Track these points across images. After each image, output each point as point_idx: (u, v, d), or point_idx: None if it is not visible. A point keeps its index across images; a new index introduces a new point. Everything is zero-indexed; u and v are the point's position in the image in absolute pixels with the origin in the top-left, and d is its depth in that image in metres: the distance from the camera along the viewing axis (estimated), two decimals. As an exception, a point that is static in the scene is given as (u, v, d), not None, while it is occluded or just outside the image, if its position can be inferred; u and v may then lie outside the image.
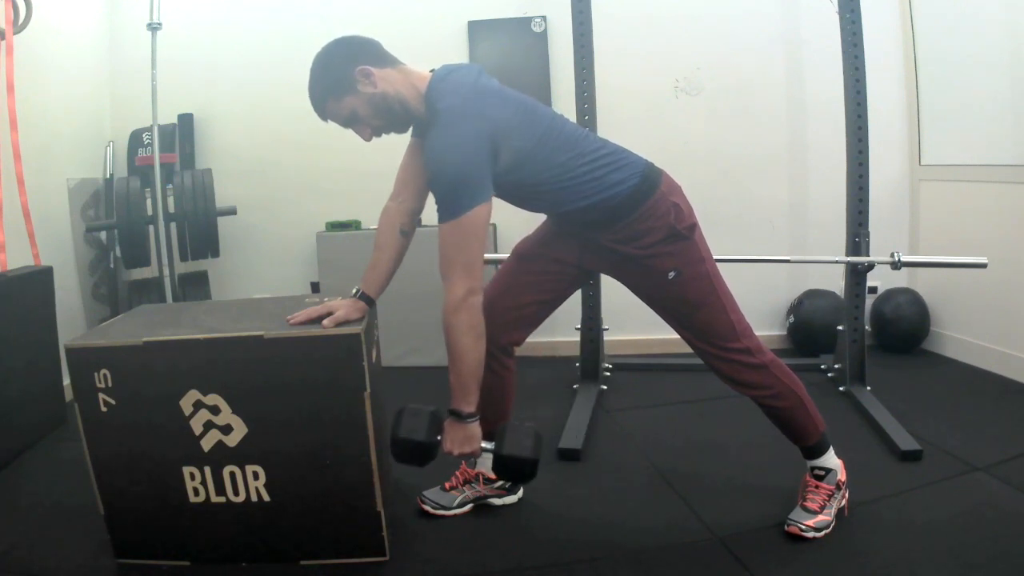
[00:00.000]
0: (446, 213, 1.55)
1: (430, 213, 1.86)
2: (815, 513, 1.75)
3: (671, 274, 1.68)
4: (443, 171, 1.54)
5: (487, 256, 2.69)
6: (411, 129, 1.77)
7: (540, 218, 1.88)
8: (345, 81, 1.58)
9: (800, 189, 3.42)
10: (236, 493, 1.67)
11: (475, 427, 1.66)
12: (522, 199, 1.71)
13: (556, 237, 1.82)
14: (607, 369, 3.03)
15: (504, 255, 1.99)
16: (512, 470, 1.68)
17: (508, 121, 1.57)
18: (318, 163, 3.45)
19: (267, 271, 3.57)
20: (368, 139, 1.66)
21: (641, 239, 1.67)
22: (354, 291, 1.76)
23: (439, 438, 1.67)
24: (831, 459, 1.81)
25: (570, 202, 1.66)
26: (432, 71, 1.64)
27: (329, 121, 1.66)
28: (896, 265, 2.50)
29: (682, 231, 1.67)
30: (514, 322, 1.85)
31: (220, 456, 1.64)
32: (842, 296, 3.02)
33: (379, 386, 1.80)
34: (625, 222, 1.66)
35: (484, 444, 1.67)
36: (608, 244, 1.71)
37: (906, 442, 2.20)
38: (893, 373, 3.00)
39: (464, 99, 1.56)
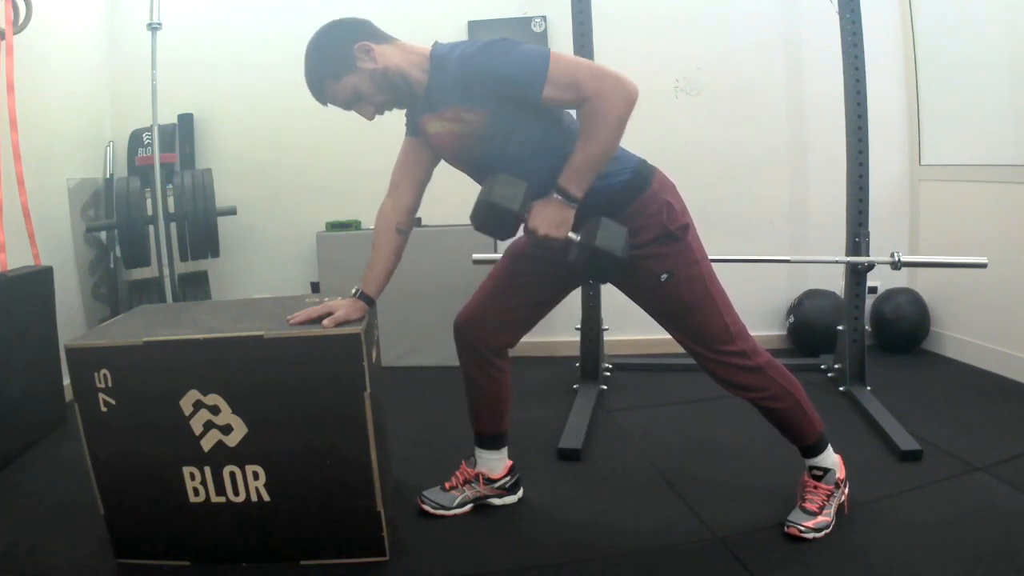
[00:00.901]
0: (537, 78, 1.48)
1: (428, 212, 1.86)
2: (814, 514, 1.75)
3: (664, 276, 1.65)
4: (499, 63, 1.50)
5: (484, 256, 2.71)
6: (405, 128, 1.77)
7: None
8: (344, 60, 1.57)
9: (800, 189, 3.42)
10: (236, 493, 1.67)
11: (572, 213, 1.55)
12: (517, 161, 1.63)
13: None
14: (607, 369, 3.02)
15: (498, 255, 1.98)
16: (600, 265, 1.56)
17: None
18: (318, 163, 3.45)
19: (267, 271, 3.57)
20: (371, 118, 1.65)
21: (632, 238, 1.64)
22: (354, 291, 1.76)
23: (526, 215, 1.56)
24: (829, 458, 1.81)
25: None
26: (434, 44, 1.64)
27: (329, 105, 1.65)
28: (896, 265, 2.50)
29: (674, 231, 1.64)
30: (508, 324, 1.84)
31: (220, 456, 1.64)
32: (842, 296, 3.02)
33: (379, 386, 1.80)
34: (616, 219, 1.64)
35: (571, 235, 1.56)
36: None
37: (906, 442, 2.20)
38: (893, 373, 3.00)
39: (474, 41, 1.56)
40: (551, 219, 1.54)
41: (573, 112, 1.63)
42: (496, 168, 1.57)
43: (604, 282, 1.55)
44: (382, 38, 1.62)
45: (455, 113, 1.59)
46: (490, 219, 1.55)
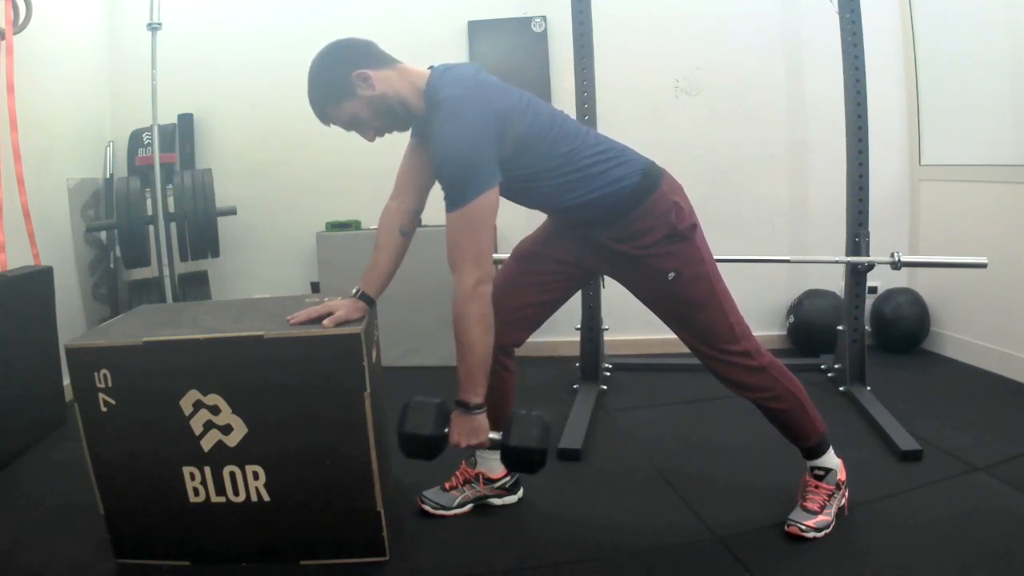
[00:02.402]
0: (454, 202, 1.53)
1: (431, 213, 1.87)
2: (815, 513, 1.75)
3: (671, 275, 1.67)
4: (448, 158, 1.53)
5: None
6: (411, 130, 1.78)
7: (541, 218, 1.88)
8: (343, 87, 1.58)
9: (800, 189, 3.42)
10: (236, 493, 1.67)
11: (483, 418, 1.64)
12: (523, 193, 1.69)
13: (556, 237, 1.82)
14: (607, 369, 3.02)
15: (505, 255, 1.99)
16: (521, 461, 1.66)
17: (511, 109, 1.57)
18: (318, 163, 3.45)
19: (267, 271, 3.58)
20: (372, 140, 1.66)
21: (641, 238, 1.66)
22: (354, 291, 1.76)
23: (446, 431, 1.65)
24: (831, 459, 1.81)
25: (570, 197, 1.65)
26: (430, 68, 1.64)
27: (332, 125, 1.66)
28: (896, 265, 2.50)
29: (683, 231, 1.66)
30: (515, 323, 1.84)
31: (220, 456, 1.64)
32: (842, 296, 3.02)
33: (379, 386, 1.80)
34: (625, 220, 1.66)
35: (492, 435, 1.66)
36: (608, 243, 1.70)
37: (906, 442, 2.20)
38: (893, 373, 3.00)
39: (466, 88, 1.56)
40: (466, 431, 1.63)
41: (572, 127, 1.66)
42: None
43: (533, 472, 1.68)
44: (382, 62, 1.62)
45: None
46: (413, 448, 1.65)
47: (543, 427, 1.65)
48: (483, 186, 1.52)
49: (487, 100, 1.55)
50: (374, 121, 1.63)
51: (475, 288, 1.55)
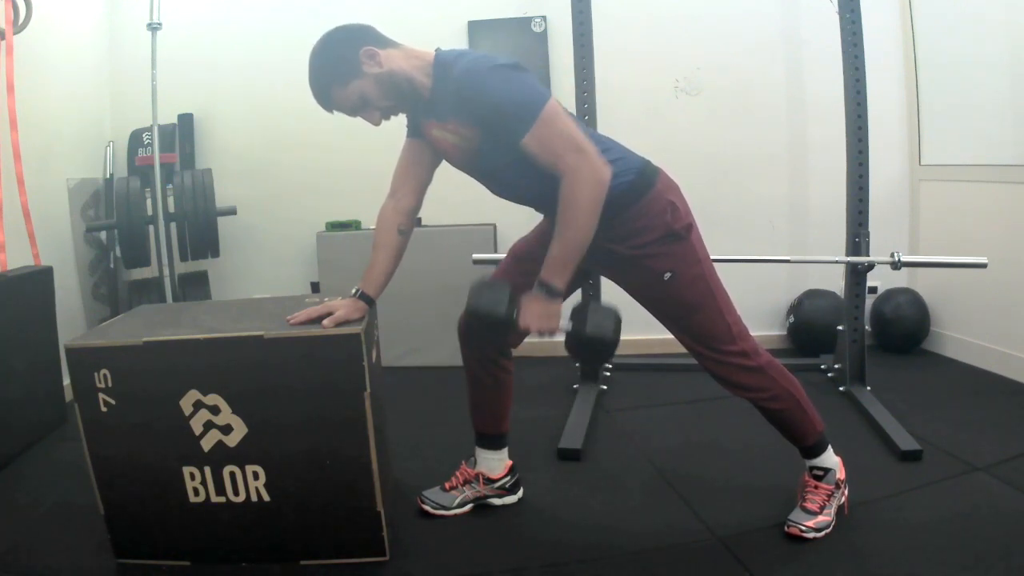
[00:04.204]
0: (523, 122, 1.49)
1: (428, 212, 1.86)
2: (815, 514, 1.75)
3: (667, 275, 1.66)
4: (495, 90, 1.50)
5: (484, 256, 2.71)
6: (407, 129, 1.77)
7: (539, 218, 1.88)
8: (350, 65, 1.57)
9: (800, 189, 3.42)
10: (236, 493, 1.67)
11: (559, 304, 1.60)
12: (518, 190, 1.69)
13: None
14: (607, 369, 3.02)
15: (502, 255, 1.99)
16: (593, 350, 1.61)
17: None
18: (318, 163, 3.45)
19: (267, 271, 3.58)
20: (377, 123, 1.65)
21: (636, 238, 1.65)
22: (354, 291, 1.76)
23: (515, 315, 1.61)
24: (830, 458, 1.81)
25: None
26: (436, 50, 1.64)
27: (335, 112, 1.65)
28: (896, 265, 2.50)
29: (678, 231, 1.65)
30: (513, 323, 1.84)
31: (220, 456, 1.64)
32: (842, 296, 3.02)
33: (379, 386, 1.80)
34: (620, 219, 1.64)
35: (564, 324, 1.61)
36: (604, 243, 1.69)
37: (906, 442, 2.20)
38: (893, 373, 3.00)
39: (482, 57, 1.56)
40: (540, 315, 1.58)
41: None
42: (499, 178, 1.60)
43: (596, 365, 1.62)
44: (386, 43, 1.62)
45: (454, 127, 1.61)
46: (483, 327, 1.62)
47: (616, 320, 1.59)
48: (542, 94, 1.50)
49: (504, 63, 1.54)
50: (381, 101, 1.61)
51: (593, 171, 1.49)
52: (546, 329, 1.59)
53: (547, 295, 1.58)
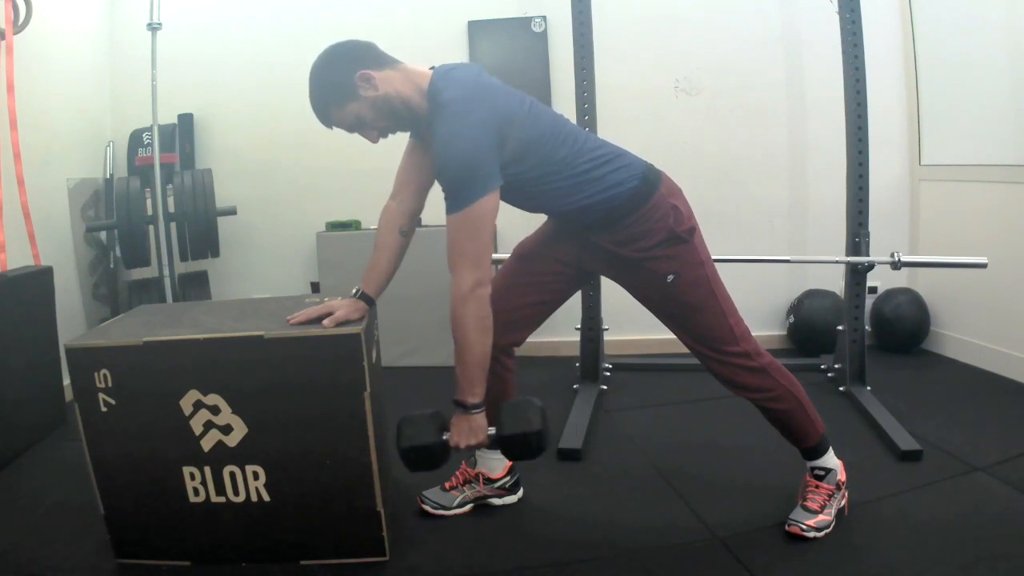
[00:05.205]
0: (454, 204, 1.53)
1: (430, 213, 1.87)
2: (816, 513, 1.75)
3: (670, 277, 1.67)
4: (450, 160, 1.53)
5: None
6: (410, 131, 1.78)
7: (541, 218, 1.88)
8: (346, 88, 1.58)
9: (800, 189, 3.42)
10: (236, 493, 1.67)
11: (481, 418, 1.64)
12: (522, 197, 1.70)
13: (556, 238, 1.82)
14: (607, 369, 3.02)
15: (505, 255, 1.99)
16: (519, 447, 1.64)
17: (512, 111, 1.57)
18: (318, 163, 3.45)
19: (267, 271, 3.57)
20: (375, 141, 1.66)
21: (640, 241, 1.66)
22: (354, 291, 1.76)
23: (445, 436, 1.65)
24: (831, 459, 1.81)
25: (570, 201, 1.66)
26: (432, 68, 1.64)
27: (335, 128, 1.66)
28: (896, 265, 2.50)
29: (681, 234, 1.66)
30: (515, 323, 1.84)
31: (220, 456, 1.64)
32: (842, 296, 3.02)
33: (379, 386, 1.80)
34: (624, 224, 1.66)
35: (490, 432, 1.65)
36: (607, 246, 1.70)
37: (906, 442, 2.20)
38: (893, 373, 3.00)
39: (469, 90, 1.55)
40: (465, 431, 1.64)
41: (571, 131, 1.66)
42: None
43: (535, 456, 1.66)
44: (384, 63, 1.62)
45: None
46: (416, 460, 1.65)
47: (534, 409, 1.63)
48: (484, 189, 1.52)
49: (490, 103, 1.55)
50: (378, 122, 1.62)
51: (473, 290, 1.55)
52: (474, 444, 1.65)
53: (465, 412, 1.63)
